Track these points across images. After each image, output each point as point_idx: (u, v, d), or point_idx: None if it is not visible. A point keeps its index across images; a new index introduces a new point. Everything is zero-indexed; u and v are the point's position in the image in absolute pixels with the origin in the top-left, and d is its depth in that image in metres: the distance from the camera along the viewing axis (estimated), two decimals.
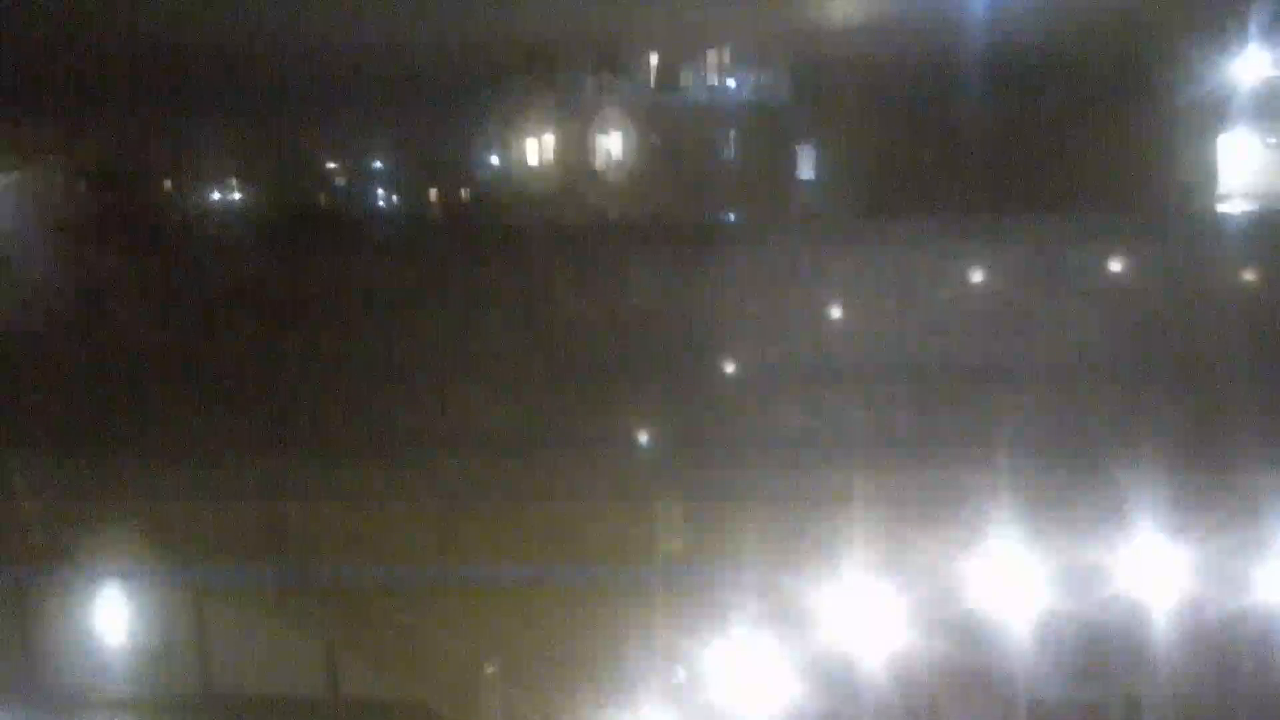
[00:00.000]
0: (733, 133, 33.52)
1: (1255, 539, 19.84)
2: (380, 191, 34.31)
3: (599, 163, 33.83)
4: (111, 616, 27.08)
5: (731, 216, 33.23)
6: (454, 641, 25.21)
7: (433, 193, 33.42)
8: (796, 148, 32.56)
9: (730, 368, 28.22)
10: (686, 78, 34.73)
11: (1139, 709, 20.63)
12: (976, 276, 28.54)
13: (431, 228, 32.13)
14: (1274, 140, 30.71)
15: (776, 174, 32.73)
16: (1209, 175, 30.63)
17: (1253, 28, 29.77)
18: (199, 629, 27.05)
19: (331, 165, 34.61)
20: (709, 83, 35.04)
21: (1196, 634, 19.91)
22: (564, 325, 29.23)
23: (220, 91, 32.11)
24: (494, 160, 33.99)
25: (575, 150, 33.57)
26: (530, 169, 33.67)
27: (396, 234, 32.42)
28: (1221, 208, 30.74)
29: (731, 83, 34.73)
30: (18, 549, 27.18)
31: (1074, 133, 30.09)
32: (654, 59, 35.54)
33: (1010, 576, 20.12)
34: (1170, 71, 30.27)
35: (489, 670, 23.91)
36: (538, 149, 33.70)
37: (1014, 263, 28.45)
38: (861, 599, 19.98)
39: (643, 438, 27.15)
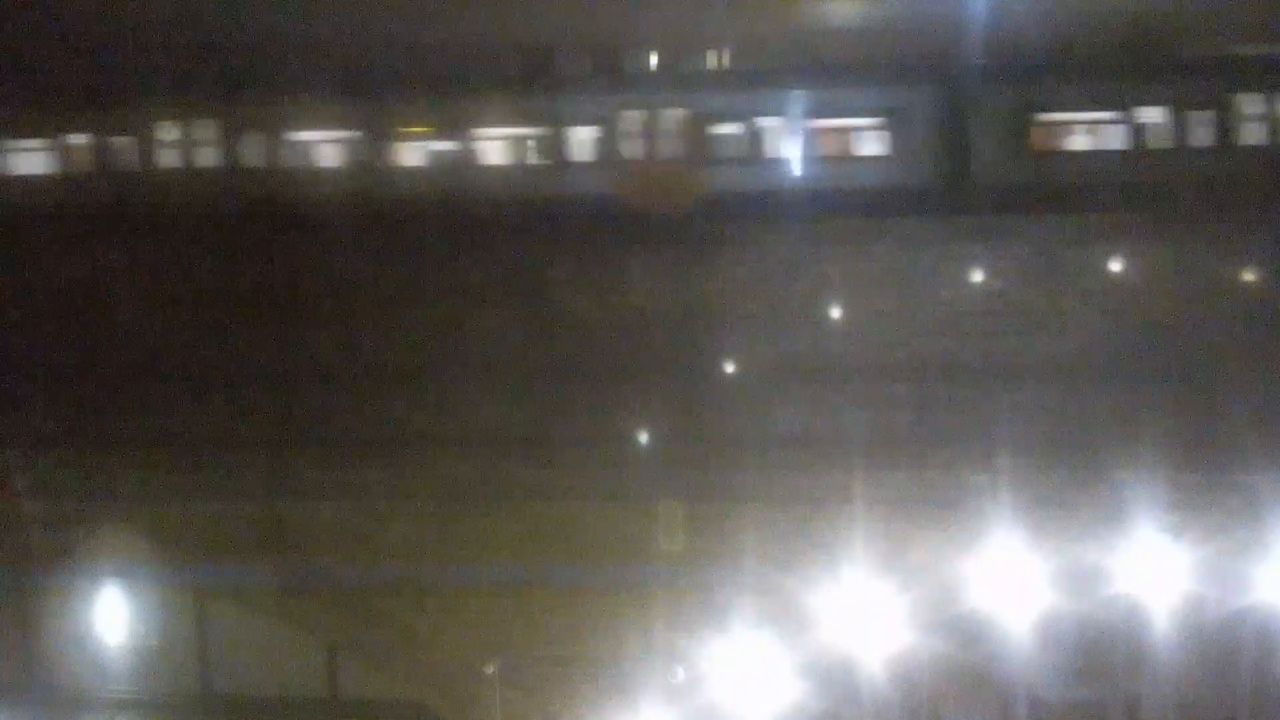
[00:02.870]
0: None
1: (1255, 539, 19.85)
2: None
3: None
4: (111, 616, 27.09)
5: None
6: (454, 641, 25.22)
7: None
8: None
9: (729, 367, 28.22)
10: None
11: (1139, 709, 20.64)
12: (976, 276, 28.54)
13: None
14: None
15: None
16: None
17: None
18: (199, 629, 27.07)
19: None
20: None
21: (1196, 634, 19.92)
22: (563, 323, 29.24)
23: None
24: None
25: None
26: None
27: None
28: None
29: None
30: (18, 549, 27.18)
31: None
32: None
33: (1010, 576, 20.11)
34: None
35: (489, 670, 23.91)
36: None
37: (1014, 263, 28.46)
38: (861, 599, 19.97)
39: (643, 437, 27.14)
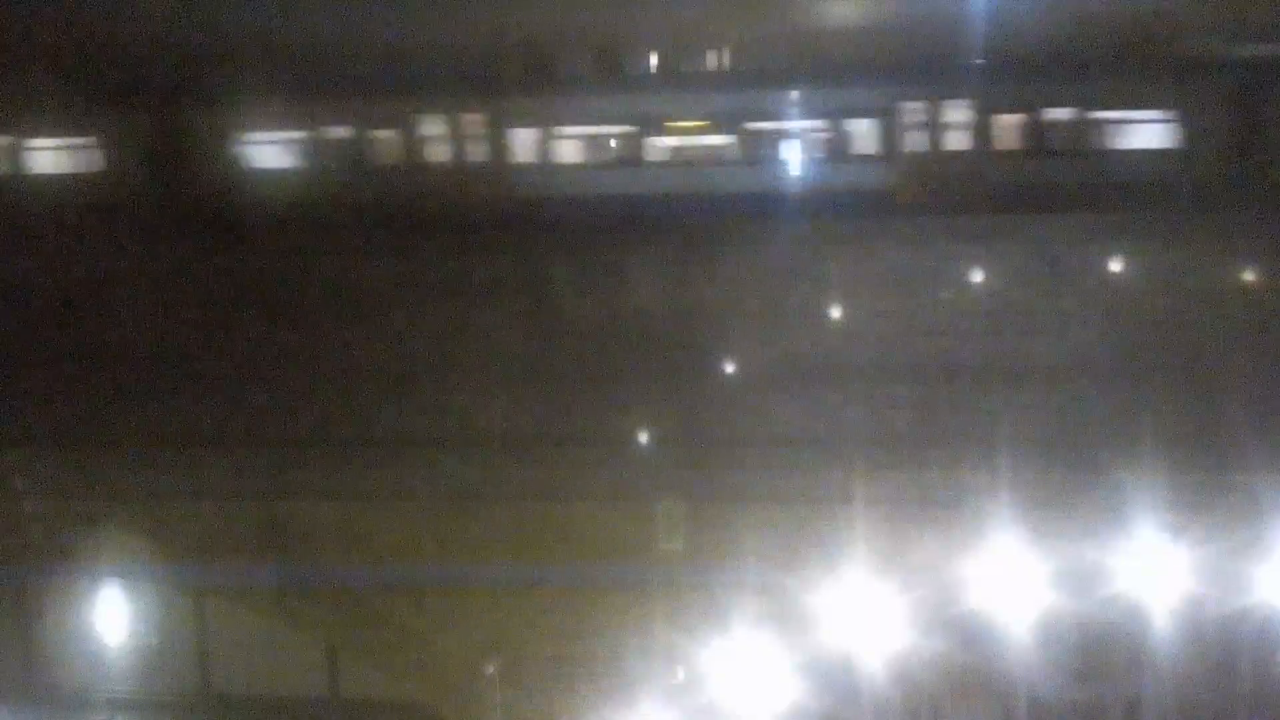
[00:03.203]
0: None
1: (1255, 539, 19.82)
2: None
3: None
4: (111, 616, 27.09)
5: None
6: (454, 641, 25.21)
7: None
8: None
9: (730, 367, 28.22)
10: None
11: (1139, 709, 20.60)
12: (976, 276, 28.54)
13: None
14: None
15: None
16: None
17: None
18: (199, 629, 27.07)
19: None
20: None
21: (1196, 634, 19.88)
22: (564, 323, 29.26)
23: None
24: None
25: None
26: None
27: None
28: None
29: None
30: (18, 549, 27.18)
31: None
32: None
33: (1010, 576, 20.09)
34: None
35: (489, 670, 23.90)
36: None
37: (1014, 263, 28.46)
38: (861, 599, 19.94)
39: (643, 437, 27.14)
